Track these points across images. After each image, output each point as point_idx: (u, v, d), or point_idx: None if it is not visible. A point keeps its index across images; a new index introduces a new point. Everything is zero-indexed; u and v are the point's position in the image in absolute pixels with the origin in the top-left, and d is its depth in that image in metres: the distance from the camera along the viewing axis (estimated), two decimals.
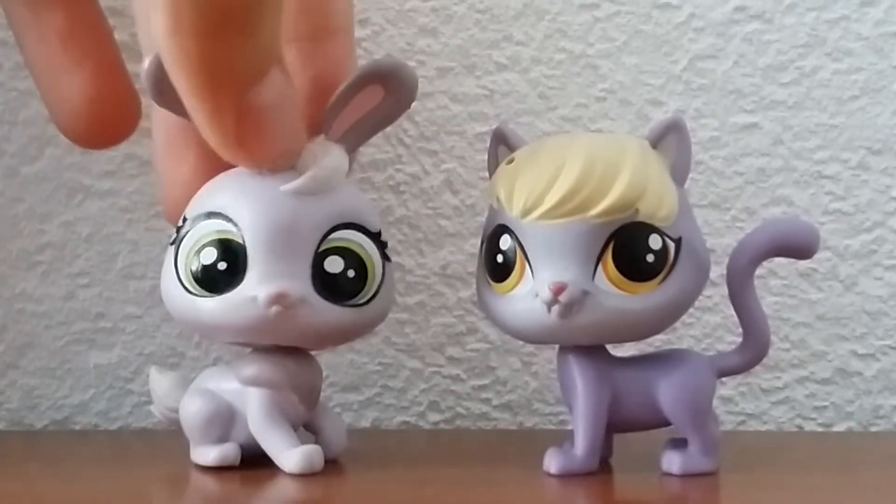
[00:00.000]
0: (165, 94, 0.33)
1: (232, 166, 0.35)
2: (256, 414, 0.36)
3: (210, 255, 0.35)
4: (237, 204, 0.35)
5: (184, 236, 0.35)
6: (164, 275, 0.36)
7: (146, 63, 0.33)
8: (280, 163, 0.33)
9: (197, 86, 0.29)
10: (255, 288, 0.34)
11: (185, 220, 0.36)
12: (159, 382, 0.41)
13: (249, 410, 0.36)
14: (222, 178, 0.36)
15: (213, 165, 0.36)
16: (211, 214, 0.35)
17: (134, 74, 0.38)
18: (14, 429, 0.51)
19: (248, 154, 0.32)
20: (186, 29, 0.27)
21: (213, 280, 0.35)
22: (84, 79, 0.36)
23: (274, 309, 0.34)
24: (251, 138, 0.31)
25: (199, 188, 0.36)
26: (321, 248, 0.35)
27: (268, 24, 0.29)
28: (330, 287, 0.35)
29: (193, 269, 0.35)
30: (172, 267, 0.35)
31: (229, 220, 0.35)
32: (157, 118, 0.37)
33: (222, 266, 0.34)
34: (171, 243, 0.36)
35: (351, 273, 0.35)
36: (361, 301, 0.36)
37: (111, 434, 0.50)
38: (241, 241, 0.34)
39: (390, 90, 0.36)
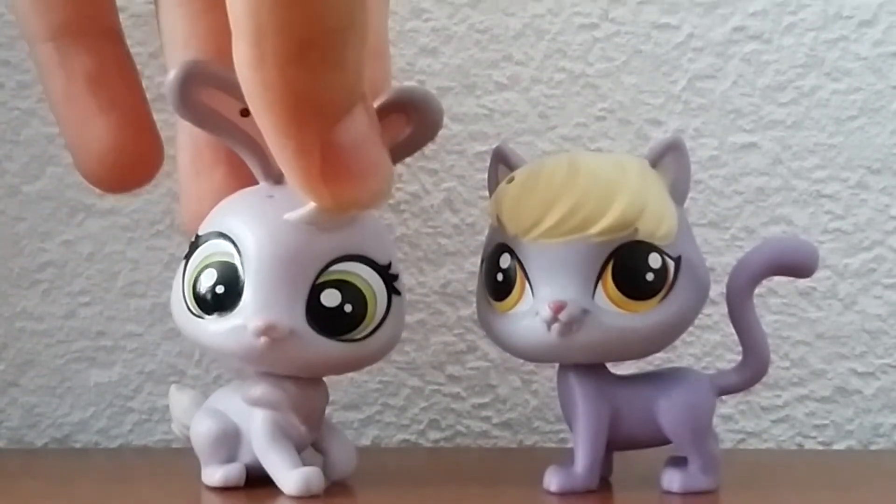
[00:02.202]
0: (190, 106, 0.33)
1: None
2: (259, 435, 0.36)
3: (210, 277, 0.35)
4: (242, 228, 0.34)
5: (192, 254, 0.35)
6: (173, 290, 0.36)
7: (171, 75, 0.33)
8: (366, 205, 0.32)
9: (282, 120, 0.28)
10: (246, 317, 0.34)
11: (197, 237, 0.35)
12: (178, 400, 0.41)
13: (253, 431, 0.36)
14: (236, 197, 0.36)
15: (241, 183, 0.36)
16: (220, 235, 0.35)
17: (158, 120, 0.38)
18: (14, 447, 0.51)
19: (334, 194, 0.30)
20: (271, 60, 0.27)
21: (212, 302, 0.35)
22: (110, 125, 0.35)
23: (262, 340, 0.34)
24: (337, 177, 0.29)
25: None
26: (319, 281, 0.34)
27: (352, 57, 0.28)
28: (324, 321, 0.34)
29: (195, 288, 0.35)
30: (180, 282, 0.35)
31: (234, 243, 0.34)
32: (182, 134, 0.37)
33: (220, 290, 0.34)
34: (185, 257, 0.36)
35: (348, 307, 0.35)
36: (359, 336, 0.35)
37: (112, 452, 0.50)
38: (240, 266, 0.34)
39: (414, 120, 0.35)
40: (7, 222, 0.51)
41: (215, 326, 0.34)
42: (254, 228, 0.34)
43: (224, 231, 0.35)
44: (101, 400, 0.51)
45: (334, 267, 0.34)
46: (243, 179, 0.36)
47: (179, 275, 0.36)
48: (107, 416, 0.51)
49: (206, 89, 0.33)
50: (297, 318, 0.34)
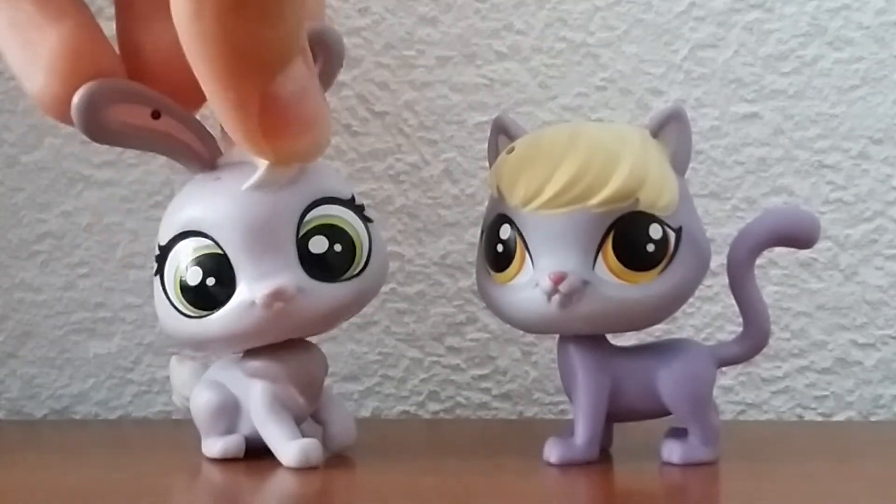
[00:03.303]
0: (102, 129, 0.32)
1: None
2: (258, 406, 0.36)
3: (196, 275, 0.34)
4: (205, 216, 0.34)
5: (164, 265, 0.35)
6: (158, 307, 0.36)
7: (74, 104, 0.31)
8: (305, 157, 0.32)
9: (221, 72, 0.28)
10: (249, 292, 0.34)
11: (159, 247, 0.35)
12: (178, 371, 0.41)
13: (252, 403, 0.36)
14: (184, 192, 0.35)
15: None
16: (184, 234, 0.34)
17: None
18: (14, 418, 0.51)
19: (274, 147, 0.30)
20: (210, 11, 0.27)
21: (208, 297, 0.34)
22: (62, 32, 0.32)
23: (276, 306, 0.33)
24: (277, 129, 0.29)
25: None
26: (301, 233, 0.34)
27: (291, 8, 0.28)
28: (321, 267, 0.34)
29: (185, 291, 0.34)
30: (164, 297, 0.35)
31: (202, 234, 0.34)
32: None
33: (211, 282, 0.34)
34: (155, 274, 0.35)
35: (338, 247, 0.35)
36: (357, 272, 0.35)
37: (111, 423, 0.50)
38: (220, 252, 0.34)
39: (319, 57, 0.34)
40: (5, 193, 0.51)
41: (220, 317, 0.34)
42: (218, 211, 0.34)
43: (189, 227, 0.34)
44: (100, 371, 0.51)
45: (309, 216, 0.34)
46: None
47: (159, 292, 0.35)
48: (106, 388, 0.51)
49: (112, 107, 0.32)
50: (296, 274, 0.34)
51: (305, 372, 0.36)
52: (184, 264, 0.34)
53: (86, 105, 0.32)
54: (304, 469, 0.35)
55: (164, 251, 0.35)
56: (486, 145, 0.38)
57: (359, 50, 0.51)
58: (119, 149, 0.50)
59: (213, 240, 0.34)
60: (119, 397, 0.51)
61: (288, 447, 0.35)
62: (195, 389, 0.38)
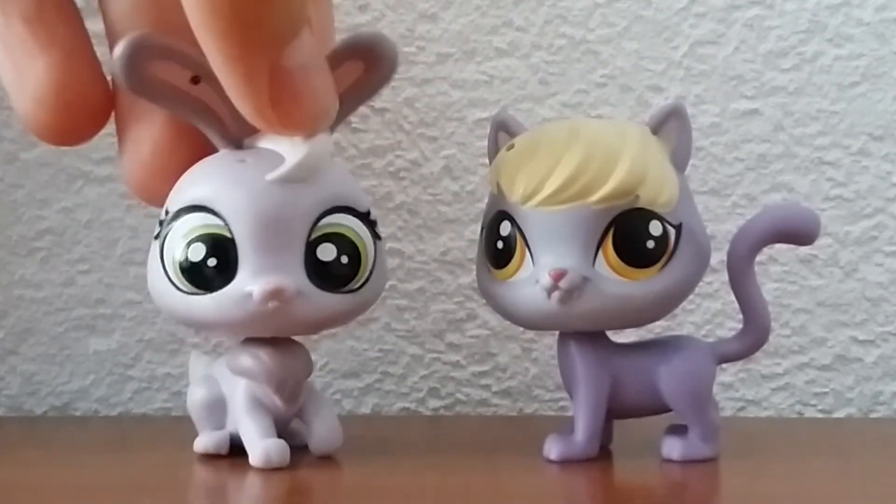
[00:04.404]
0: (141, 81, 0.32)
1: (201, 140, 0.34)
2: (238, 404, 0.36)
3: (199, 252, 0.33)
4: (222, 196, 0.33)
5: (167, 231, 0.34)
6: (150, 270, 0.35)
7: (118, 50, 0.31)
8: (314, 127, 0.31)
9: (230, 46, 0.28)
10: (249, 283, 0.33)
11: (167, 212, 0.34)
12: (194, 367, 0.41)
13: (234, 399, 0.36)
14: (204, 166, 0.34)
15: (181, 126, 0.34)
16: (195, 207, 0.34)
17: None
18: (14, 415, 0.51)
19: (284, 118, 0.30)
20: None
21: (204, 277, 0.33)
22: (50, 63, 0.32)
23: (272, 304, 0.33)
24: (286, 101, 0.29)
25: (167, 151, 0.34)
26: (313, 237, 0.34)
27: None
28: (324, 276, 0.34)
29: (182, 266, 0.34)
30: (159, 263, 0.34)
31: (215, 213, 0.33)
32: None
33: (212, 262, 0.33)
34: (155, 237, 0.35)
35: (344, 259, 0.34)
36: (356, 286, 0.35)
37: (111, 420, 0.50)
38: (229, 236, 0.33)
39: (370, 64, 0.34)
40: (5, 189, 0.51)
41: (212, 301, 0.34)
42: (236, 195, 0.33)
43: (202, 203, 0.34)
44: (100, 368, 0.51)
45: (324, 221, 0.34)
46: (184, 124, 0.34)
47: (156, 255, 0.34)
48: (106, 384, 0.51)
49: (154, 62, 0.32)
50: (299, 277, 0.34)
51: (284, 372, 0.36)
52: (188, 238, 0.33)
53: (128, 55, 0.31)
54: (300, 466, 0.35)
55: (172, 218, 0.34)
56: (486, 142, 0.38)
57: None
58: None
59: (224, 221, 0.33)
60: (119, 394, 0.51)
61: (254, 446, 0.35)
62: (193, 384, 0.38)
